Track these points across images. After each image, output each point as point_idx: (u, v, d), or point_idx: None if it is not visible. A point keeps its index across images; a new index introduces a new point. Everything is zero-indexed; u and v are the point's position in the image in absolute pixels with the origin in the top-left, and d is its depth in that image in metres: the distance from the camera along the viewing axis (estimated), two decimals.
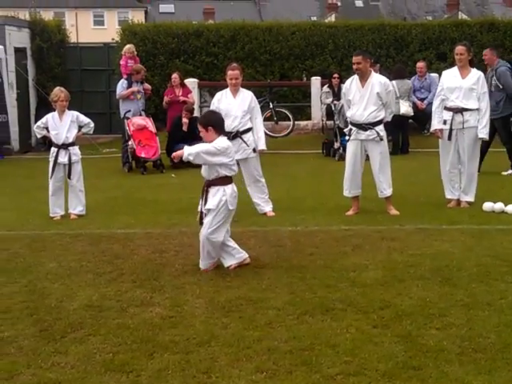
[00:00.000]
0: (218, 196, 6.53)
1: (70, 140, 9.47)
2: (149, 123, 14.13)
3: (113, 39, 20.68)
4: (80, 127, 9.69)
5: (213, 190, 6.57)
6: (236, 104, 9.12)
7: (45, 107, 18.53)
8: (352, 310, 5.41)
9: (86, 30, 55.04)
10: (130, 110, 14.11)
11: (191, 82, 17.11)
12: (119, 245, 7.67)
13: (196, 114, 16.09)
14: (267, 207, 9.28)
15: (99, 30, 57.03)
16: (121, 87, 14.18)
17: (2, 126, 16.86)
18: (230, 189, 6.62)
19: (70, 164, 9.41)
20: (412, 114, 15.67)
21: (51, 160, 9.49)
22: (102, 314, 5.47)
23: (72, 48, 20.54)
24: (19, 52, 18.04)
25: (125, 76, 14.43)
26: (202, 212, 6.61)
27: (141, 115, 14.22)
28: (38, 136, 9.99)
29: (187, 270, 6.61)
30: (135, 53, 15.14)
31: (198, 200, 9.42)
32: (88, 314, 5.45)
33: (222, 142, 6.57)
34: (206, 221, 6.56)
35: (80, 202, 9.53)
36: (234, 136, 9.05)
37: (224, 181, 6.59)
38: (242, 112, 9.11)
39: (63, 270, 6.71)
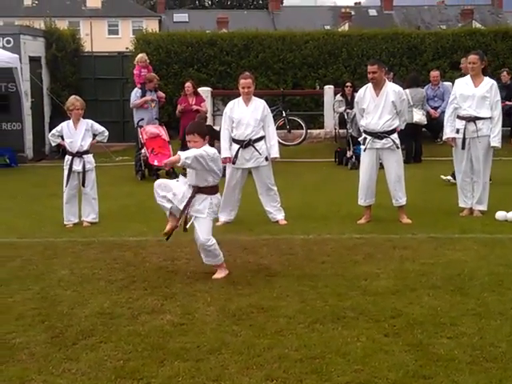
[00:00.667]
0: (206, 203, 6.59)
1: (85, 148, 9.52)
2: (162, 131, 14.19)
3: (127, 48, 20.79)
4: (94, 135, 9.74)
5: (200, 198, 6.60)
6: (248, 112, 9.15)
7: (59, 116, 18.65)
8: (363, 319, 5.39)
9: (101, 39, 55.37)
10: (143, 119, 14.18)
11: (205, 91, 17.15)
12: (131, 252, 7.69)
13: (209, 122, 16.15)
14: (279, 215, 9.28)
15: (113, 39, 57.38)
16: (134, 96, 14.28)
17: (17, 134, 16.98)
18: (217, 198, 6.71)
19: (84, 172, 9.46)
20: (425, 122, 15.63)
21: (66, 168, 9.55)
22: (113, 321, 5.49)
23: (86, 57, 20.66)
24: (34, 61, 18.15)
25: (138, 85, 14.51)
26: (186, 216, 6.63)
27: (154, 124, 14.29)
28: (53, 144, 10.04)
29: (198, 278, 6.62)
30: (148, 61, 15.21)
31: None
32: (99, 321, 5.47)
33: (211, 148, 6.63)
34: (198, 230, 6.59)
35: (93, 210, 9.58)
36: (246, 144, 9.09)
37: (212, 189, 6.65)
38: (254, 120, 9.13)
39: (75, 278, 6.74)
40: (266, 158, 9.21)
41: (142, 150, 13.91)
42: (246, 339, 5.02)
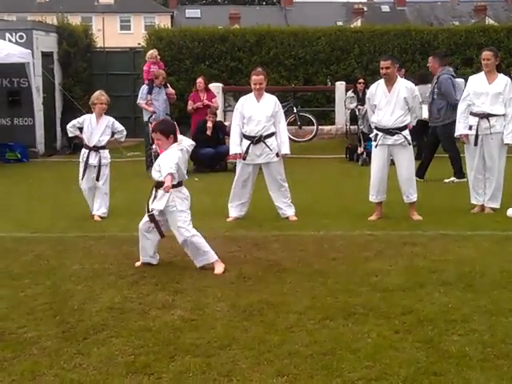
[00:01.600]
0: (166, 197, 6.68)
1: (102, 144, 9.63)
2: None
3: (139, 44, 20.83)
4: (113, 133, 9.85)
5: (160, 192, 6.70)
6: (260, 108, 9.14)
7: (70, 111, 18.74)
8: (373, 315, 5.38)
9: (113, 34, 55.49)
10: (155, 112, 14.15)
11: (216, 87, 17.16)
12: None
13: (220, 118, 16.16)
14: (290, 211, 9.27)
15: (125, 34, 57.48)
16: (141, 93, 14.32)
17: (28, 130, 17.04)
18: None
19: (99, 166, 9.55)
20: None
21: (82, 161, 9.62)
22: (123, 316, 5.50)
23: (98, 52, 20.71)
24: (46, 56, 18.21)
25: (146, 82, 14.53)
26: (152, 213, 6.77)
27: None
28: (70, 135, 10.02)
29: (209, 274, 6.62)
30: (158, 58, 15.19)
31: (220, 203, 9.51)
32: (110, 316, 5.48)
33: (172, 156, 6.70)
34: (179, 226, 6.69)
35: (104, 205, 9.64)
36: (257, 140, 9.09)
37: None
38: (265, 116, 9.12)
39: (86, 272, 6.76)
40: (277, 154, 9.21)
41: (153, 146, 13.90)
42: (257, 335, 5.02)
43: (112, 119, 9.81)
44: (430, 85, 15.59)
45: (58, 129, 18.83)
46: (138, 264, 6.92)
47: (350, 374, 4.36)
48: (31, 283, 6.42)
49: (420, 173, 11.75)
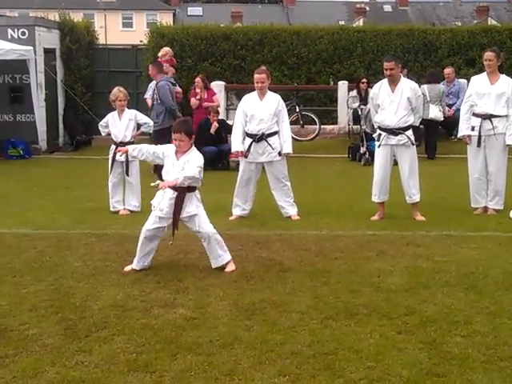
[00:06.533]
0: (194, 200, 6.67)
1: (128, 138, 9.74)
2: None
3: (141, 41, 20.78)
4: (139, 126, 9.98)
5: (188, 198, 6.66)
6: (262, 107, 9.12)
7: (72, 108, 18.74)
8: (376, 316, 5.38)
9: (115, 31, 55.45)
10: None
11: (218, 85, 17.14)
12: None
13: (222, 116, 16.13)
14: (292, 210, 9.26)
15: (128, 31, 57.53)
16: (149, 88, 14.28)
17: (30, 126, 17.01)
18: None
19: (127, 161, 9.62)
20: (442, 119, 15.50)
21: (110, 157, 9.76)
22: (126, 313, 5.50)
23: (100, 49, 20.65)
24: (48, 53, 18.16)
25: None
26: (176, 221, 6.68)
27: None
28: (103, 134, 10.21)
29: (211, 272, 6.62)
30: (170, 55, 15.07)
31: (223, 202, 9.49)
32: (112, 314, 5.48)
33: (198, 158, 6.69)
34: (205, 222, 6.69)
35: (136, 199, 9.80)
36: (259, 139, 9.08)
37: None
38: (268, 115, 9.10)
39: (88, 270, 6.76)
40: (280, 153, 9.19)
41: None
42: (259, 334, 5.02)
43: (134, 112, 10.00)
44: (438, 84, 15.68)
45: (61, 125, 18.81)
46: (128, 269, 6.74)
47: (352, 375, 4.35)
48: (33, 280, 6.42)
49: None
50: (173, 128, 6.75)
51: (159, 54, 15.14)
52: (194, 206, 6.66)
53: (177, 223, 6.65)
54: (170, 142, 6.89)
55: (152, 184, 6.71)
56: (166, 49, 15.24)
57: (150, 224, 6.73)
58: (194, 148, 6.74)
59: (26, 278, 6.49)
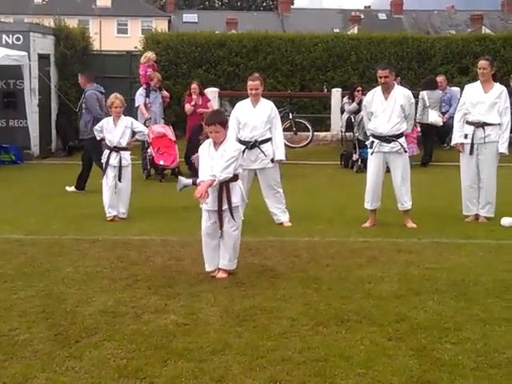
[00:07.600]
0: (237, 190, 6.68)
1: (123, 145, 9.81)
2: (168, 131, 14.17)
3: (135, 47, 20.81)
4: (134, 133, 10.02)
5: (233, 187, 6.65)
6: (256, 114, 9.14)
7: (65, 113, 18.72)
8: (367, 322, 5.38)
9: (110, 37, 55.39)
10: (150, 118, 14.20)
11: (212, 92, 17.15)
12: (135, 251, 7.69)
13: None
14: (284, 217, 9.27)
15: (122, 38, 57.47)
16: (139, 96, 14.38)
17: (22, 132, 16.99)
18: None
19: (120, 167, 9.67)
20: (441, 123, 15.55)
21: (103, 161, 9.81)
22: (116, 319, 5.49)
23: (95, 55, 20.67)
24: (43, 59, 18.17)
25: (144, 85, 14.57)
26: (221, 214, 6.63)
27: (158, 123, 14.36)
28: (98, 138, 10.24)
29: (203, 278, 6.61)
30: (152, 60, 15.14)
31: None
32: (103, 320, 5.47)
33: (234, 144, 6.72)
34: (233, 224, 6.64)
35: (124, 206, 9.79)
36: (252, 145, 9.08)
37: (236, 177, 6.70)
38: (261, 122, 9.12)
39: (79, 276, 6.74)
40: (272, 160, 9.20)
41: (149, 150, 13.93)
42: (250, 340, 5.02)
43: (131, 119, 10.10)
44: (437, 90, 15.76)
45: (53, 131, 18.80)
46: (208, 269, 6.71)
47: (343, 381, 4.36)
48: (24, 285, 6.40)
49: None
50: (205, 121, 6.72)
51: (141, 60, 15.22)
52: (238, 197, 6.66)
53: (221, 216, 6.61)
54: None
55: (200, 205, 6.63)
56: (149, 54, 15.28)
57: (205, 221, 6.73)
58: (229, 137, 6.73)
59: (17, 283, 6.47)
